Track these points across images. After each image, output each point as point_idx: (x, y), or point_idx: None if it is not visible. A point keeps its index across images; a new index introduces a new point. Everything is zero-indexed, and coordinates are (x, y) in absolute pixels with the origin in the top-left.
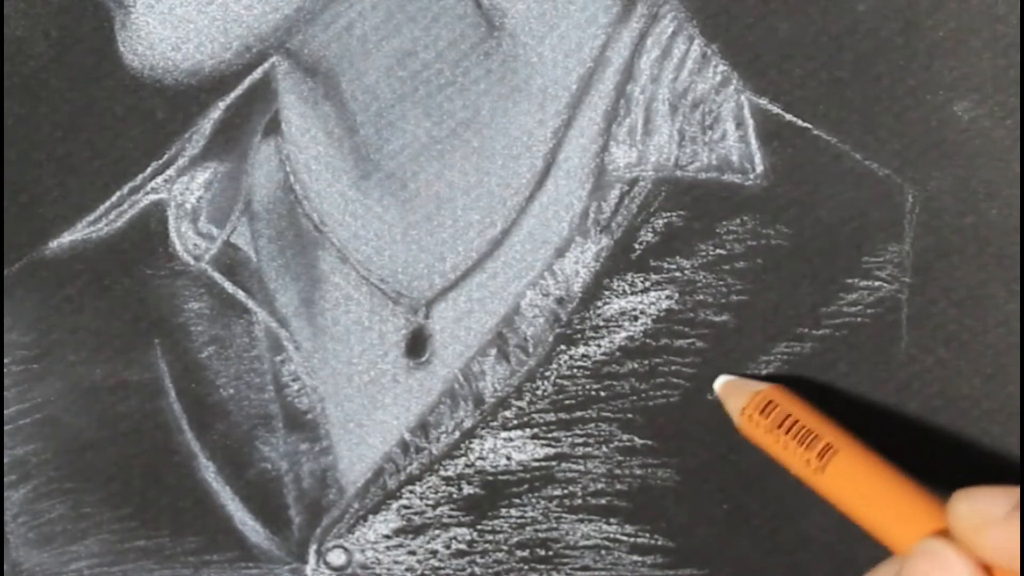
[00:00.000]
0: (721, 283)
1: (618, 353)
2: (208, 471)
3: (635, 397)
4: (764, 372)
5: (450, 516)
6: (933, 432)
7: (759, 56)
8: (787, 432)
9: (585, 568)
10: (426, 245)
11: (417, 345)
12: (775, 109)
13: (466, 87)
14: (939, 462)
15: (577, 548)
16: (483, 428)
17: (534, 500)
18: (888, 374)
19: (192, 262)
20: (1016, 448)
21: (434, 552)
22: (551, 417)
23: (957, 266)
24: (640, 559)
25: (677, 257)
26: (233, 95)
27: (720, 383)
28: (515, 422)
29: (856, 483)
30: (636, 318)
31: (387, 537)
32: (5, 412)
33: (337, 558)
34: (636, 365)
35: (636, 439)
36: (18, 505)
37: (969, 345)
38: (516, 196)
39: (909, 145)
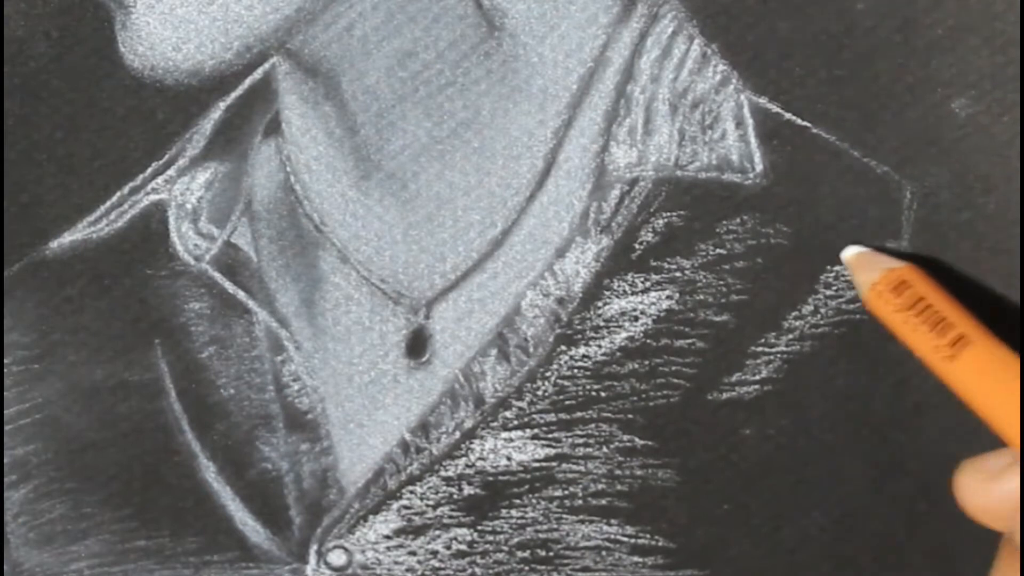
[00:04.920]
0: (721, 283)
1: (618, 353)
2: (209, 471)
3: (635, 397)
4: (763, 373)
5: (450, 517)
6: (930, 428)
7: (759, 55)
8: (919, 315)
9: (586, 569)
10: (426, 245)
11: (417, 345)
12: (774, 108)
13: (466, 87)
14: (937, 458)
15: (578, 549)
16: (483, 428)
17: (535, 501)
18: (887, 371)
19: (192, 262)
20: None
21: (434, 553)
22: (551, 417)
23: (955, 262)
24: (641, 560)
25: (677, 257)
26: (234, 95)
27: (851, 253)
28: (515, 422)
29: (988, 376)
30: (636, 318)
31: (387, 537)
32: (5, 412)
33: (337, 558)
34: (636, 365)
35: (637, 439)
36: (19, 505)
37: None
38: (516, 196)
39: (907, 142)
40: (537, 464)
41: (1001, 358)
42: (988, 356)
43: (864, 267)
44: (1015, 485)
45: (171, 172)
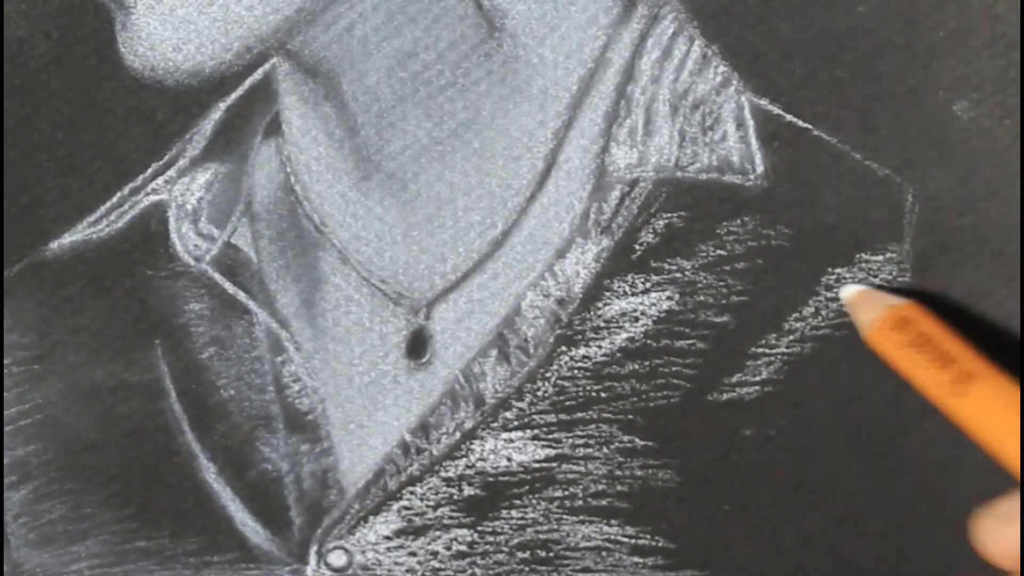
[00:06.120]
0: (722, 284)
1: (619, 354)
2: (209, 472)
3: (636, 398)
4: (764, 374)
5: (451, 517)
6: (930, 429)
7: (759, 57)
8: (922, 351)
9: (586, 570)
10: (427, 246)
11: (418, 346)
12: (775, 110)
13: (467, 88)
14: (938, 459)
15: (578, 549)
16: (484, 429)
17: (535, 501)
18: (888, 373)
19: (193, 263)
20: None
21: (435, 553)
22: (552, 418)
23: (957, 265)
24: (641, 560)
25: (678, 258)
26: (234, 96)
27: (851, 292)
28: (516, 423)
29: (995, 411)
30: (637, 319)
31: (388, 538)
32: (6, 413)
33: (338, 559)
34: (637, 366)
35: (637, 440)
36: (19, 506)
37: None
38: (517, 197)
39: (909, 145)
40: (537, 465)
41: (1008, 392)
42: (994, 391)
43: (864, 305)
44: None
45: (171, 173)
